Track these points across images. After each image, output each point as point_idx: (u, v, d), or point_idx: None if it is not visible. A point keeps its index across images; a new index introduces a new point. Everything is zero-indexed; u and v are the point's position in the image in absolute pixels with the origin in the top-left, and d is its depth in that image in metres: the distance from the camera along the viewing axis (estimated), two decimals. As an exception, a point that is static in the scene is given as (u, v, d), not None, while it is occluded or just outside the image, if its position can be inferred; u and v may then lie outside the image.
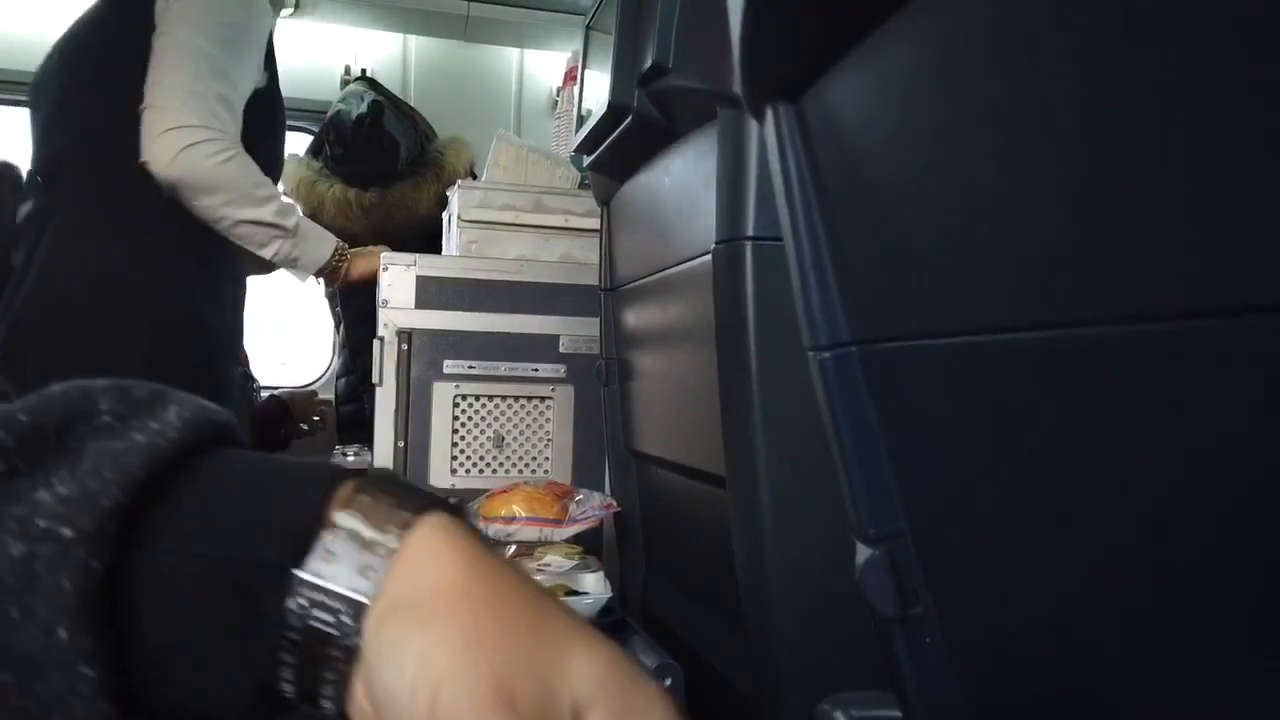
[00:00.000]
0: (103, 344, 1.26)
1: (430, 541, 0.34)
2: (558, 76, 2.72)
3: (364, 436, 2.23)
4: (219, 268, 1.38)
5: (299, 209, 1.40)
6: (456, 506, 0.37)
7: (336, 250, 1.44)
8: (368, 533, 0.33)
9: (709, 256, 0.90)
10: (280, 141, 1.50)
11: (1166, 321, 0.34)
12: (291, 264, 1.37)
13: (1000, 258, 0.40)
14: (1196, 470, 0.35)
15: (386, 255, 1.46)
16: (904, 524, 0.50)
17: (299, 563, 0.33)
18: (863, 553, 0.50)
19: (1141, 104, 0.31)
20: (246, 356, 2.05)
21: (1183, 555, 0.38)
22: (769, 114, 0.51)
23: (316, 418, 2.23)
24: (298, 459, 0.38)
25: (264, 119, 1.38)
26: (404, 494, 0.35)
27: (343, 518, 0.33)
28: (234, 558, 0.33)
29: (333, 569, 0.33)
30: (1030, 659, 0.48)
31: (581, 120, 1.25)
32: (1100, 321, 0.36)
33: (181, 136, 1.19)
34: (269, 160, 1.42)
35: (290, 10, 1.65)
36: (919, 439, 0.49)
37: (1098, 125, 0.33)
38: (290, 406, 2.15)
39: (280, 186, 1.69)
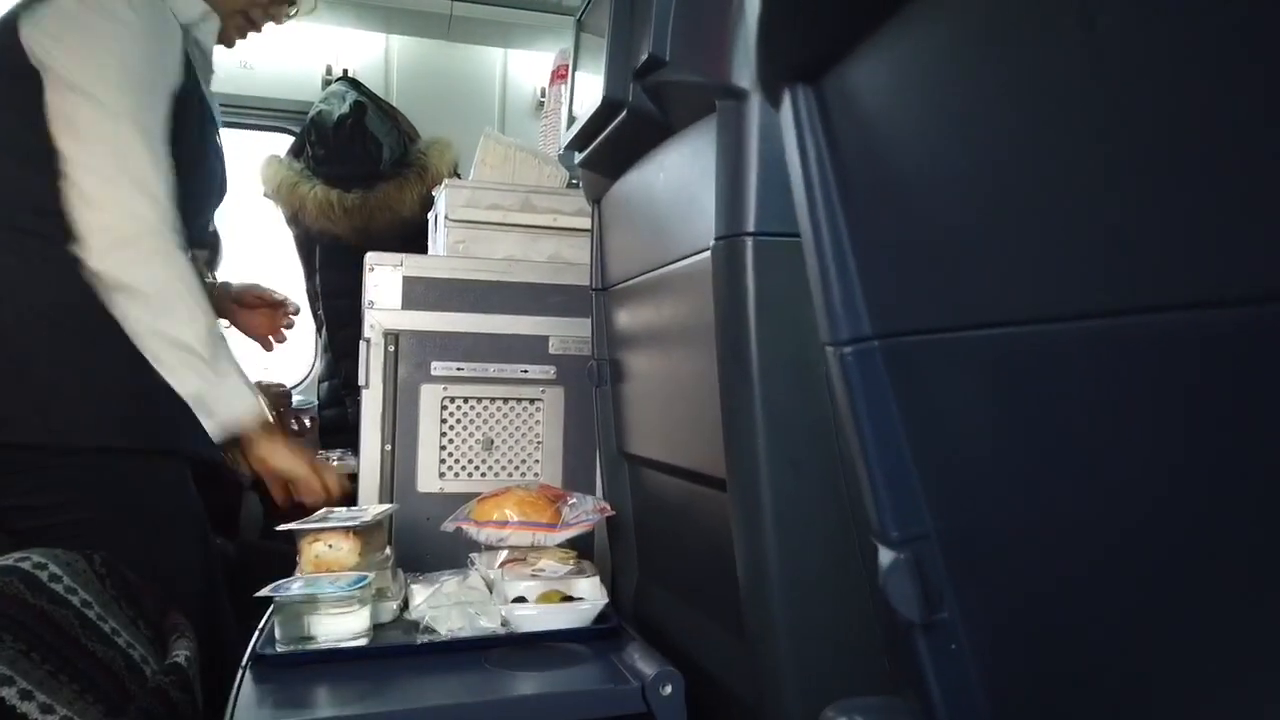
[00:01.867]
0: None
1: None
2: (542, 77, 2.69)
3: (347, 441, 2.20)
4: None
5: (230, 353, 1.21)
6: None
7: (263, 419, 1.24)
8: None
9: (707, 253, 0.88)
10: (203, 175, 1.35)
11: (1208, 309, 0.32)
12: (205, 412, 1.18)
13: (1030, 246, 0.38)
14: (1241, 467, 0.33)
15: (372, 256, 1.43)
16: (929, 525, 0.48)
17: None
18: (886, 556, 0.48)
19: (1174, 84, 0.29)
20: None
21: (1223, 555, 0.36)
22: (786, 98, 0.49)
23: (295, 422, 2.18)
24: None
25: (185, 129, 1.26)
26: None
27: None
28: None
29: None
30: (1059, 663, 0.46)
31: (572, 119, 1.23)
32: (1135, 311, 0.34)
33: (111, 236, 1.12)
34: (205, 178, 1.34)
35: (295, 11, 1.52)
36: (945, 436, 0.47)
37: (1128, 107, 0.31)
38: None
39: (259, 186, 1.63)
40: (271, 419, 1.26)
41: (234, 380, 1.19)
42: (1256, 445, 0.33)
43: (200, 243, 1.37)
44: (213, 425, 1.18)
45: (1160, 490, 0.38)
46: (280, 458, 1.22)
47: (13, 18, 1.18)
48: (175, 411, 1.21)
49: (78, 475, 1.19)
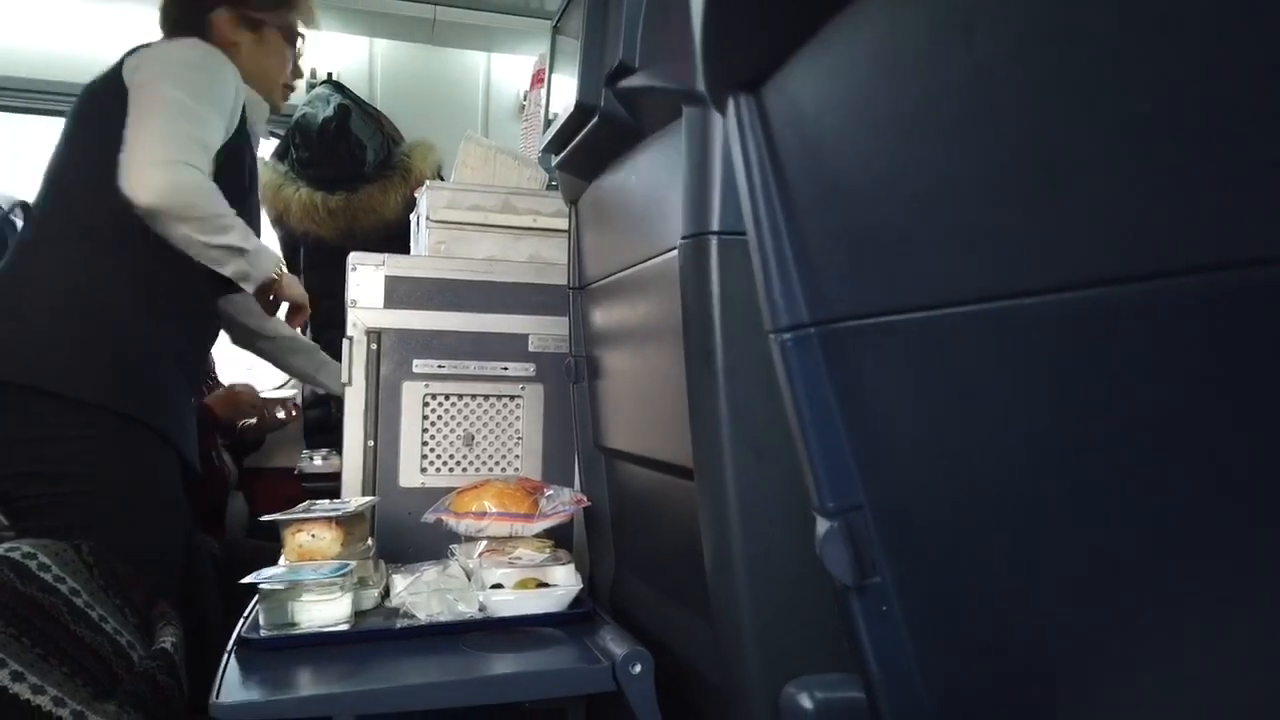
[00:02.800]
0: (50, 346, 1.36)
1: None
2: (525, 80, 2.73)
3: (331, 440, 2.23)
4: (172, 292, 1.47)
5: (251, 233, 1.47)
6: None
7: (279, 270, 1.52)
8: None
9: (676, 252, 0.92)
10: (250, 195, 1.59)
11: (1111, 287, 0.36)
12: (244, 279, 1.44)
13: (949, 233, 0.42)
14: (1147, 438, 0.37)
15: (355, 255, 1.46)
16: (862, 497, 0.53)
17: None
18: (822, 525, 0.53)
19: (1078, 84, 0.33)
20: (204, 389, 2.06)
21: (1134, 525, 0.39)
22: (730, 105, 0.53)
23: (281, 408, 2.24)
24: None
25: (233, 173, 1.49)
26: None
27: None
28: None
29: None
30: (982, 627, 0.51)
31: (549, 122, 1.27)
32: (1046, 290, 0.38)
33: (160, 171, 1.32)
34: (235, 175, 1.51)
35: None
36: (875, 414, 0.51)
37: (1037, 105, 0.35)
38: (216, 413, 2.12)
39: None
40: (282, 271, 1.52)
41: (264, 252, 1.47)
42: (1158, 416, 0.36)
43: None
44: (252, 285, 1.46)
45: (1071, 463, 0.42)
46: (297, 286, 1.56)
47: (120, 62, 1.48)
48: (176, 407, 1.45)
49: (93, 443, 1.33)
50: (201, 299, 1.57)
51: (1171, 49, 0.29)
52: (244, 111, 1.53)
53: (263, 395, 2.31)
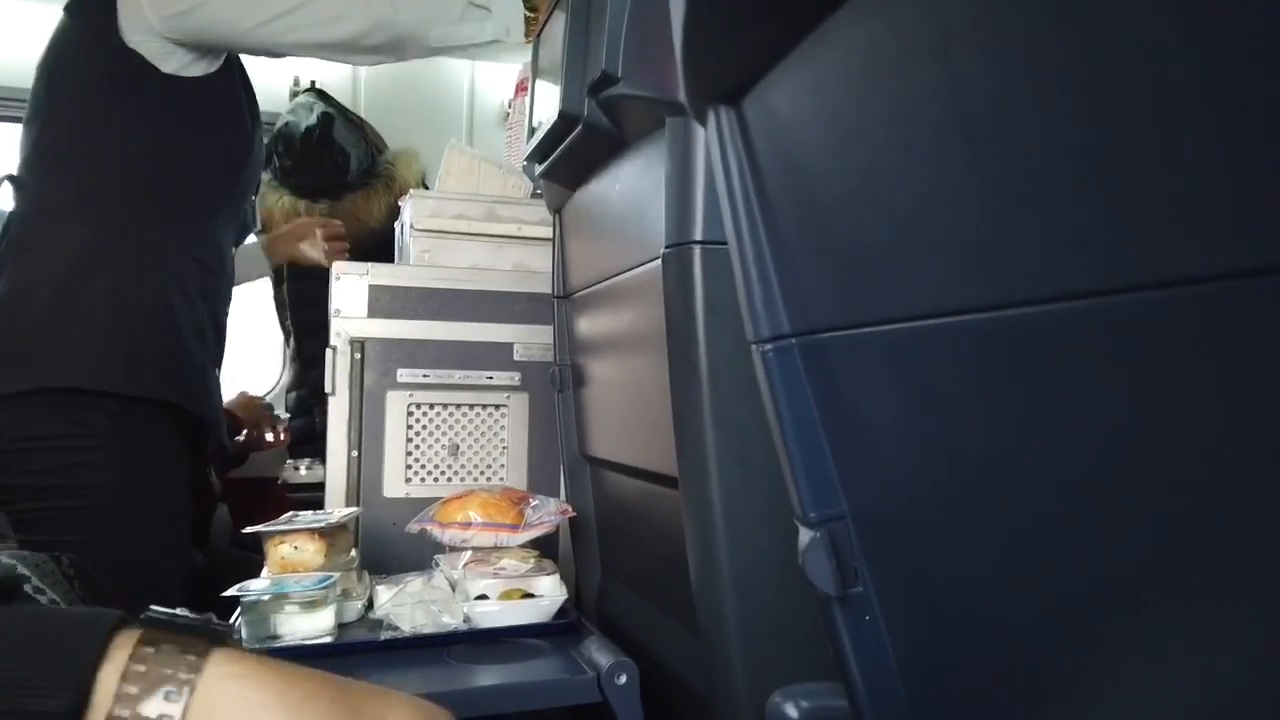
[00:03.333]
0: (68, 333, 1.31)
1: (221, 681, 0.37)
2: (509, 88, 2.73)
3: (315, 451, 2.22)
4: (185, 255, 1.43)
5: None
6: (229, 633, 0.40)
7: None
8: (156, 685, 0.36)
9: (659, 261, 0.93)
10: (244, 129, 1.54)
11: (1085, 300, 0.36)
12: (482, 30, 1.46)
13: (925, 247, 0.42)
14: (1126, 449, 0.37)
15: (339, 265, 1.46)
16: (844, 507, 0.53)
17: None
18: (805, 535, 0.53)
19: (1047, 97, 0.34)
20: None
21: (1114, 535, 0.40)
22: (711, 117, 0.53)
23: (271, 431, 2.21)
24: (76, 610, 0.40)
25: (221, 105, 1.44)
26: (185, 639, 0.37)
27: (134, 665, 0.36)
28: (16, 711, 0.35)
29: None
30: (965, 636, 0.51)
31: (532, 131, 1.27)
32: (1023, 303, 0.39)
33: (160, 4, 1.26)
34: (232, 145, 1.49)
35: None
36: (856, 424, 0.51)
37: (1010, 118, 0.36)
38: (239, 418, 2.12)
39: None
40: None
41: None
42: (1134, 427, 0.37)
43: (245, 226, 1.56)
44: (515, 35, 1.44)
45: (1048, 473, 0.42)
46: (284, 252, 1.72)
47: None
48: (201, 383, 1.44)
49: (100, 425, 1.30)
50: (215, 260, 1.51)
51: (1148, 62, 0.29)
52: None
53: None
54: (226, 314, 1.62)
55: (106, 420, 1.30)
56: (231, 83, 1.52)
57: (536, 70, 1.31)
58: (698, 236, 0.88)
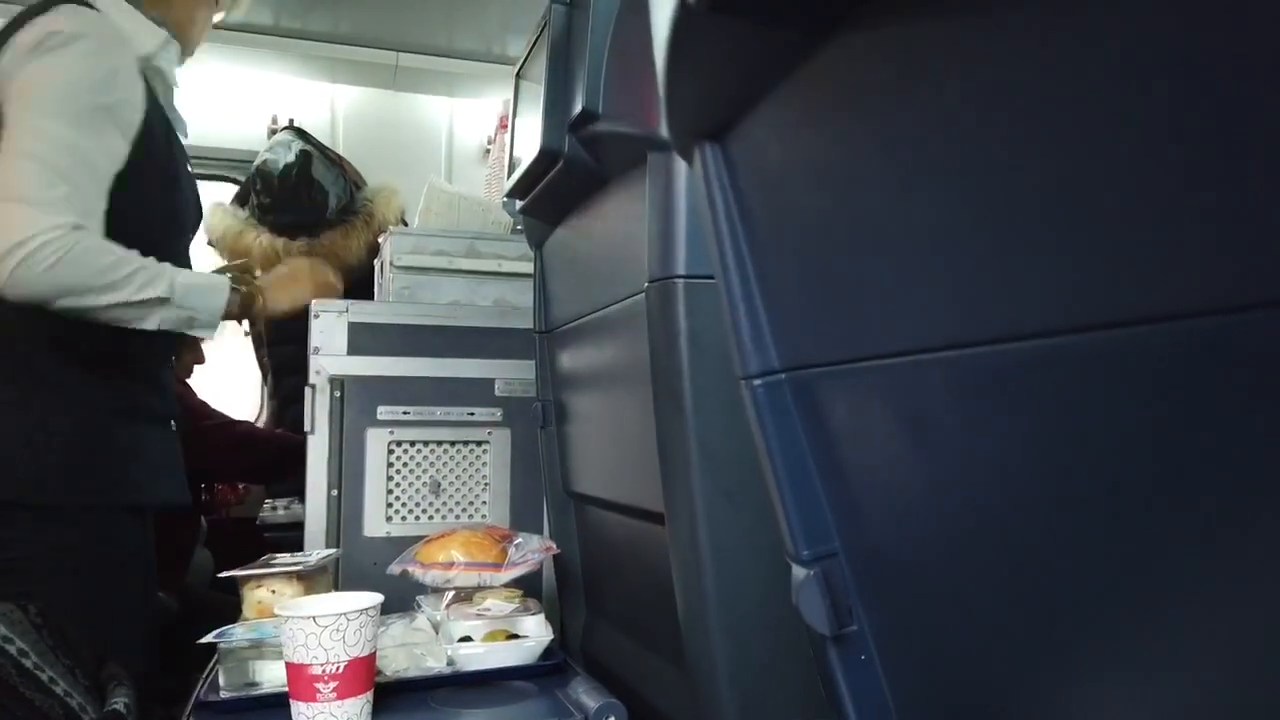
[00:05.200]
0: None
1: None
2: (488, 126, 2.74)
3: (294, 489, 2.19)
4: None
5: (171, 271, 1.27)
6: None
7: (238, 292, 1.34)
8: None
9: (642, 296, 0.92)
10: (178, 196, 1.38)
11: (1077, 334, 0.36)
12: (188, 325, 1.27)
13: (914, 280, 0.42)
14: (1116, 482, 0.37)
15: (318, 302, 1.45)
16: (837, 544, 0.52)
17: None
18: (798, 574, 0.52)
19: (1037, 129, 0.34)
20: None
21: (1108, 569, 0.40)
22: (696, 154, 0.53)
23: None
24: None
25: (152, 181, 1.30)
26: None
27: None
28: None
29: None
30: (962, 674, 0.50)
31: (513, 167, 1.27)
32: (1011, 338, 0.39)
33: (6, 259, 1.12)
34: (168, 214, 1.35)
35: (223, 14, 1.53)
36: (848, 460, 0.50)
37: (999, 150, 0.36)
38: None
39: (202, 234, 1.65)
40: (245, 290, 1.35)
41: (195, 289, 1.27)
42: (1126, 461, 0.36)
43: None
44: (202, 331, 1.29)
45: (1043, 507, 0.42)
46: (285, 301, 1.40)
47: None
48: (129, 465, 1.27)
49: (20, 532, 1.19)
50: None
51: (1141, 95, 0.29)
52: (146, 80, 1.30)
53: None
54: (169, 357, 1.44)
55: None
56: (162, 154, 1.35)
57: (517, 107, 1.32)
58: (681, 271, 0.87)
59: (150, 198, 1.29)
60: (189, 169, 1.43)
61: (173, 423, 1.40)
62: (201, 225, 1.52)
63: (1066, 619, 0.43)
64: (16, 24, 1.23)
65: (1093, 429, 0.37)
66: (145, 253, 1.23)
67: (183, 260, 1.37)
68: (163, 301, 1.22)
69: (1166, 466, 0.34)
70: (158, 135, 1.31)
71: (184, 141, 1.42)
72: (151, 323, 1.23)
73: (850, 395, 0.49)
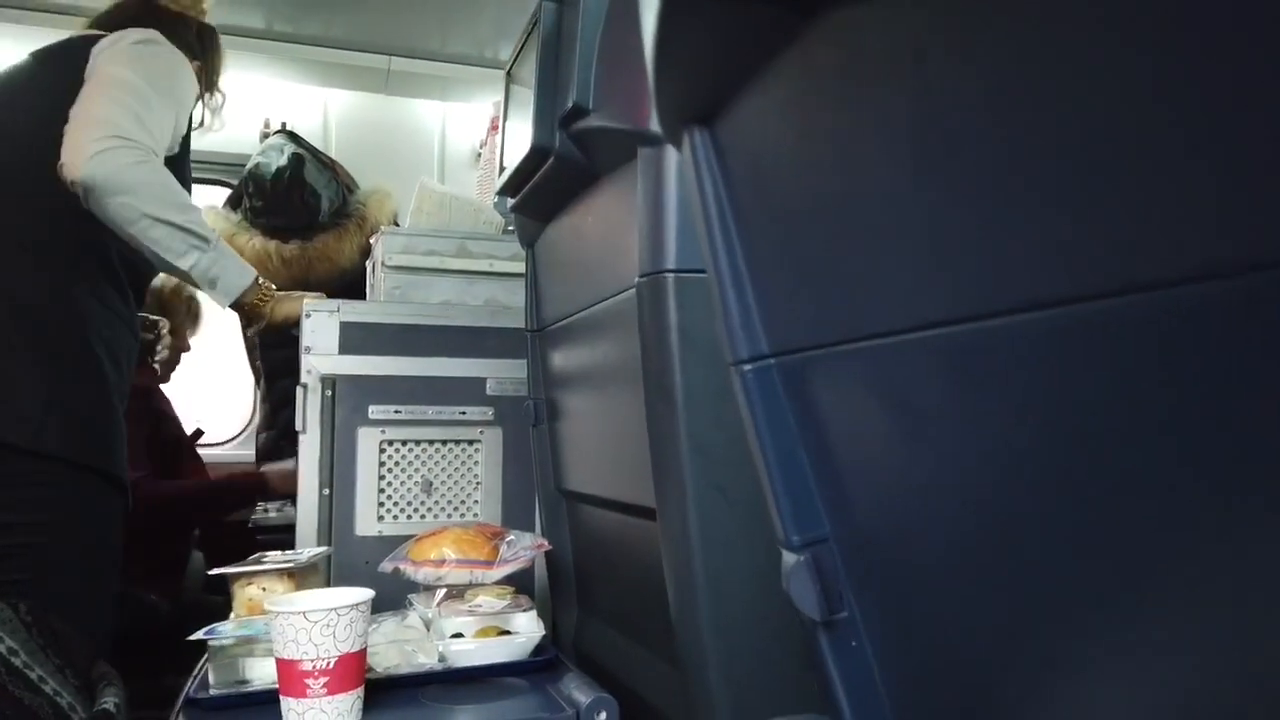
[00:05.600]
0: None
1: None
2: (481, 130, 2.74)
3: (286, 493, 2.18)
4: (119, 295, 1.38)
5: (215, 234, 1.38)
6: None
7: (259, 284, 1.43)
8: None
9: (633, 291, 0.92)
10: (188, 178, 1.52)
11: (1059, 308, 0.36)
12: (211, 283, 1.35)
13: (900, 261, 0.42)
14: (1106, 459, 0.37)
15: (309, 302, 1.44)
16: (827, 529, 0.52)
17: None
18: (788, 560, 0.52)
19: (1016, 110, 0.34)
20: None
21: (1100, 550, 0.40)
22: (685, 139, 0.53)
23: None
24: None
25: (181, 174, 1.41)
26: None
27: None
28: None
29: None
30: (954, 659, 0.50)
31: (503, 167, 1.27)
32: (996, 314, 0.39)
33: (98, 142, 1.22)
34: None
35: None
36: (838, 444, 0.51)
37: (981, 131, 0.36)
38: (269, 484, 2.10)
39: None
40: (265, 284, 1.45)
41: (232, 258, 1.38)
42: (1115, 437, 0.36)
43: None
44: (219, 295, 1.37)
45: (1031, 487, 0.42)
46: (296, 305, 1.46)
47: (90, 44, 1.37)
48: (120, 441, 1.35)
49: (47, 490, 1.25)
50: (131, 318, 1.43)
51: (1116, 76, 0.30)
52: (189, 122, 1.46)
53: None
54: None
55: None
56: (184, 166, 1.54)
57: (508, 108, 1.32)
58: (671, 265, 0.88)
59: None
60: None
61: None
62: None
63: (1056, 604, 0.43)
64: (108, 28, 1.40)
65: (1078, 405, 0.37)
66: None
67: None
68: (206, 243, 1.32)
69: (1155, 444, 0.34)
70: (182, 162, 1.44)
71: (195, 138, 1.56)
72: (188, 260, 1.31)
73: (838, 378, 0.49)
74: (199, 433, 2.31)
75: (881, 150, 0.41)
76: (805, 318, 0.50)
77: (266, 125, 2.68)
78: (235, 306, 1.42)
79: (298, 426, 1.40)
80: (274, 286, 1.49)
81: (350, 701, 0.88)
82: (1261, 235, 0.27)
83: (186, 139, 1.48)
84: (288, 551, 1.20)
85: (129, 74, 1.30)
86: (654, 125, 0.94)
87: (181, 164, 1.45)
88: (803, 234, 0.48)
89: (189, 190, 1.50)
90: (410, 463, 1.46)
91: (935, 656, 0.50)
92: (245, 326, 1.51)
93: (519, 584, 1.21)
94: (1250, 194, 0.27)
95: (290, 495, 2.08)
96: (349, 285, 2.16)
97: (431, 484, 1.46)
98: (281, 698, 0.87)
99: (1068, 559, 0.41)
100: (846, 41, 0.40)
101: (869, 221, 0.44)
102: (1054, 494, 0.40)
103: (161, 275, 1.61)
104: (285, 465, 2.15)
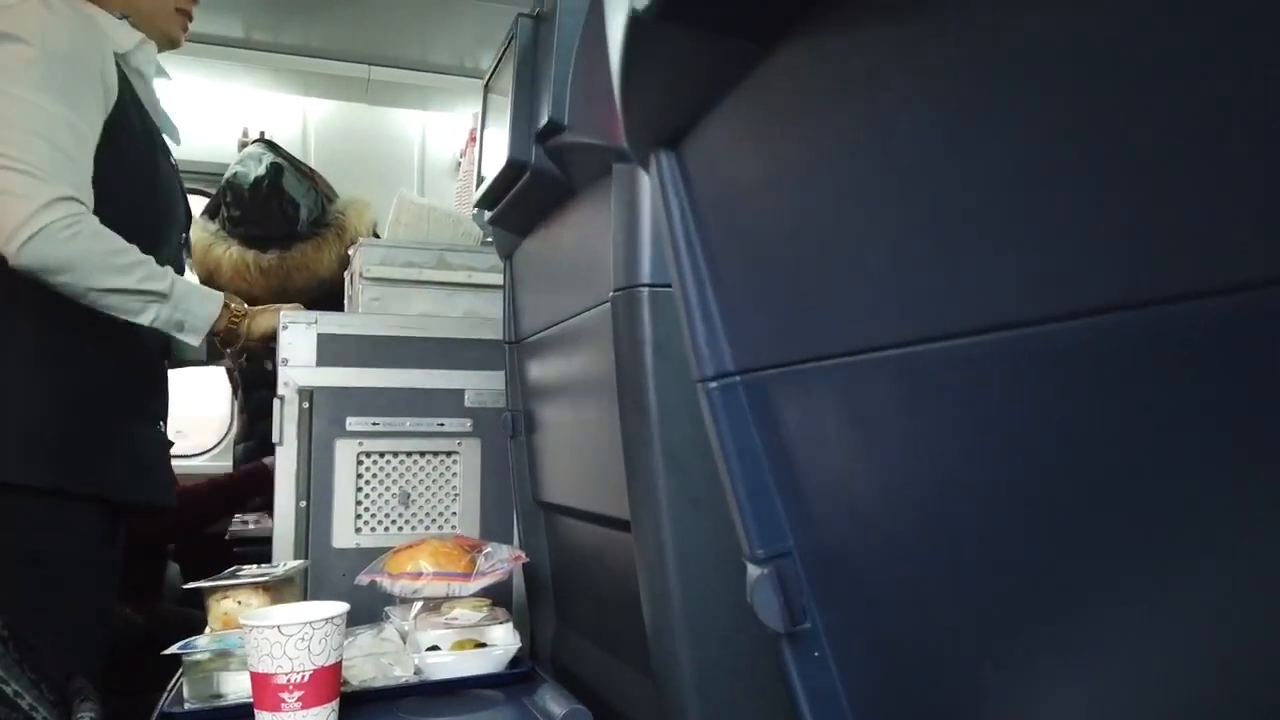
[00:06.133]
0: None
1: None
2: (461, 140, 2.75)
3: (263, 504, 2.18)
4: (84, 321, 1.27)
5: (173, 273, 1.29)
6: None
7: (229, 308, 1.37)
8: None
9: (608, 305, 0.93)
10: (157, 197, 1.37)
11: (1014, 330, 0.37)
12: (177, 328, 1.28)
13: (860, 281, 0.43)
14: (1066, 475, 0.38)
15: (286, 314, 1.44)
16: (791, 543, 0.53)
17: None
18: (753, 573, 0.53)
19: (972, 133, 0.35)
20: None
21: (1050, 562, 0.41)
22: (652, 160, 0.54)
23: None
24: None
25: (123, 151, 1.28)
26: None
27: None
28: None
29: None
30: (912, 668, 0.51)
31: (481, 179, 1.28)
32: (949, 336, 0.40)
33: (20, 228, 1.12)
34: (143, 212, 1.34)
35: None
36: (800, 459, 0.52)
37: (937, 153, 0.37)
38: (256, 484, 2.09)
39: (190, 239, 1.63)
40: (235, 306, 1.38)
41: (192, 294, 1.29)
42: (1063, 454, 0.37)
43: (171, 264, 1.37)
44: (188, 337, 1.30)
45: (980, 501, 0.43)
46: (272, 318, 1.42)
47: None
48: (108, 456, 1.26)
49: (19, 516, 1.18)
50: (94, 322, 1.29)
51: (1071, 96, 0.31)
52: (119, 68, 1.28)
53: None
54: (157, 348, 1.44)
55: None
56: (133, 117, 1.35)
57: (485, 119, 1.33)
58: (645, 280, 0.89)
59: (125, 180, 1.28)
60: (174, 169, 1.43)
61: (162, 423, 1.40)
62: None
63: (1015, 616, 0.44)
64: None
65: (1030, 425, 0.38)
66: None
67: (164, 256, 1.35)
68: (161, 297, 1.24)
69: (1109, 462, 0.35)
70: (135, 130, 1.31)
71: (174, 148, 1.44)
72: (146, 317, 1.24)
73: (801, 395, 0.50)
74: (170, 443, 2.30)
75: (838, 176, 0.42)
76: (769, 336, 0.51)
77: (245, 134, 2.68)
78: (208, 337, 1.35)
79: (274, 439, 1.40)
80: (245, 305, 1.42)
81: (325, 715, 0.88)
82: (1198, 267, 0.29)
83: (126, 91, 1.30)
84: (264, 565, 1.20)
85: (32, 95, 1.15)
86: (625, 140, 0.96)
87: (128, 123, 1.29)
88: (766, 255, 0.49)
89: (154, 143, 1.37)
90: (388, 474, 1.46)
91: (896, 667, 0.51)
92: (223, 350, 1.44)
93: (496, 596, 1.22)
94: (1185, 223, 0.28)
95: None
96: (328, 295, 2.15)
97: (409, 496, 1.47)
98: (256, 712, 0.87)
99: (1022, 573, 0.42)
100: (802, 71, 0.41)
101: (828, 245, 0.45)
102: (1007, 511, 0.41)
103: None
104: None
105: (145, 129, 1.35)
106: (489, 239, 1.64)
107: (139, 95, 1.34)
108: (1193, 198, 0.28)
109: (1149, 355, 0.32)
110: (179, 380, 2.04)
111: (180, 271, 1.46)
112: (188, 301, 1.29)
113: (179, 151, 1.50)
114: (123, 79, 1.29)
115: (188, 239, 1.54)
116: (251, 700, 0.89)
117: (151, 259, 1.25)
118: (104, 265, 1.18)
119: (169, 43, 1.44)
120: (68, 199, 1.15)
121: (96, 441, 1.27)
